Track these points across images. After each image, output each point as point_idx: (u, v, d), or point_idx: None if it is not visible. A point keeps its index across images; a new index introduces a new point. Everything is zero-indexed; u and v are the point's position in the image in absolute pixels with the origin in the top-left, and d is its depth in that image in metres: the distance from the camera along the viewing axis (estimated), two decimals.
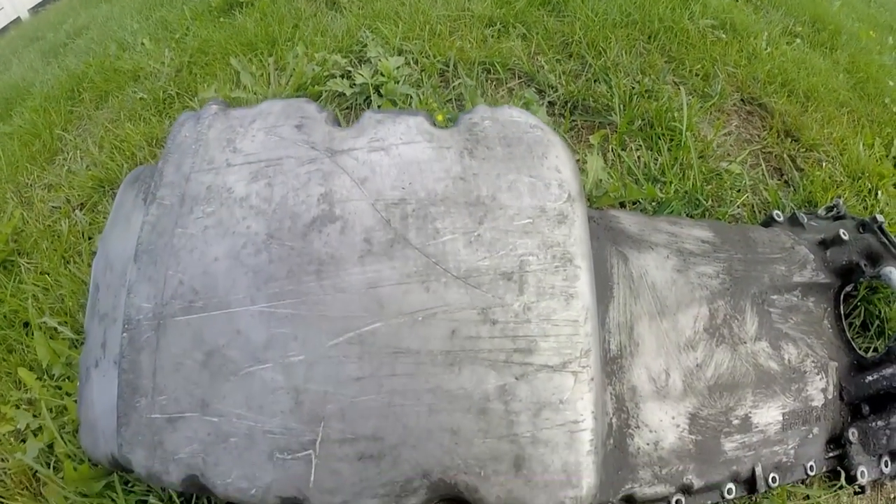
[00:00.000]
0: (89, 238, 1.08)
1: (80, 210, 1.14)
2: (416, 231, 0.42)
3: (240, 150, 0.47)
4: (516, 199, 0.46)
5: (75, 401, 0.77)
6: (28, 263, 1.06)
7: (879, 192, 1.21)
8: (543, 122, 0.57)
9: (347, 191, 0.43)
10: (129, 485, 0.71)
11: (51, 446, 0.77)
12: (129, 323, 0.43)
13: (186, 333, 0.41)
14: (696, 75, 1.23)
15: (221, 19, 1.53)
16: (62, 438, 0.75)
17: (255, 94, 1.08)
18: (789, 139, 1.20)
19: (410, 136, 0.46)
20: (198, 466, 0.41)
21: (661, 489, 0.60)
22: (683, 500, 0.62)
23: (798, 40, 1.81)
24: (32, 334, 0.89)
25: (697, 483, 0.61)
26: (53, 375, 0.85)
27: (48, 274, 1.00)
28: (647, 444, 0.59)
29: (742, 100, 1.27)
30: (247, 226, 0.43)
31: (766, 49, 1.50)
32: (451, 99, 0.97)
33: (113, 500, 0.69)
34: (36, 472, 0.77)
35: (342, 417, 0.38)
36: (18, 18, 5.35)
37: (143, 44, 1.60)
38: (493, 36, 1.16)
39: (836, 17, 2.22)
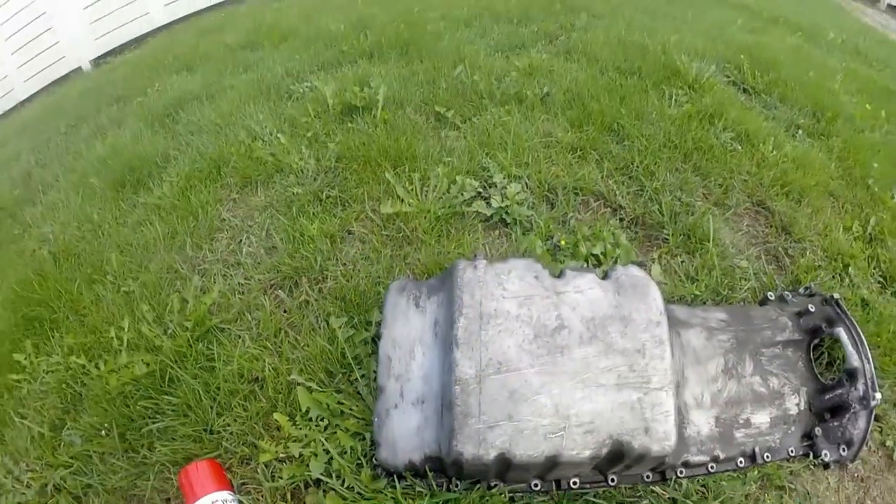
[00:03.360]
0: (292, 314, 1.70)
1: (281, 290, 1.66)
2: (601, 332, 1.12)
3: (507, 289, 1.16)
4: (639, 315, 1.15)
5: (346, 431, 1.26)
6: (239, 330, 1.62)
7: (850, 269, 1.92)
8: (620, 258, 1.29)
9: (568, 314, 1.12)
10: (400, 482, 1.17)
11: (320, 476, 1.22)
12: (460, 382, 1.08)
13: (497, 384, 1.08)
14: (719, 186, 1.94)
15: (348, 124, 2.25)
16: (341, 457, 1.21)
17: (409, 205, 1.78)
18: (784, 234, 1.91)
19: (590, 285, 1.16)
20: (505, 447, 1.03)
21: (701, 458, 1.28)
22: (714, 465, 1.31)
23: (800, 131, 2.56)
24: (263, 387, 1.40)
25: (722, 455, 1.29)
26: (311, 418, 1.30)
27: (267, 340, 1.63)
28: (694, 433, 1.28)
29: (752, 202, 1.99)
30: (522, 331, 1.12)
31: (772, 152, 2.23)
32: (557, 217, 1.69)
33: (386, 494, 1.16)
34: (292, 489, 1.23)
35: (577, 415, 1.06)
36: (80, 68, 6.05)
37: (278, 138, 2.30)
38: (575, 161, 1.88)
39: (835, 100, 2.96)
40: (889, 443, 1.55)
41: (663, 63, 2.56)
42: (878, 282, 1.94)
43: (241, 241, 1.86)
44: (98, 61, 6.59)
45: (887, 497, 1.51)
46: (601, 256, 1.54)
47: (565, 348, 1.09)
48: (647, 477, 1.24)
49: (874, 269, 1.97)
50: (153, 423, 1.44)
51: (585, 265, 1.52)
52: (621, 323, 1.13)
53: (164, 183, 2.33)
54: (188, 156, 2.47)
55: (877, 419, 1.56)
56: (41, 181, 3.37)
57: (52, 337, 1.84)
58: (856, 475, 1.52)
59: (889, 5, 9.59)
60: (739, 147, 2.14)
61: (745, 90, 2.75)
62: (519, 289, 1.16)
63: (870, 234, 2.09)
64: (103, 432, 1.48)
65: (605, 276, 1.21)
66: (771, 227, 1.91)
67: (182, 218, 2.03)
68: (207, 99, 3.07)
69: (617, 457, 1.09)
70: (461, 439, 1.04)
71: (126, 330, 1.65)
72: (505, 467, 1.07)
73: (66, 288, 1.99)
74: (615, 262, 1.52)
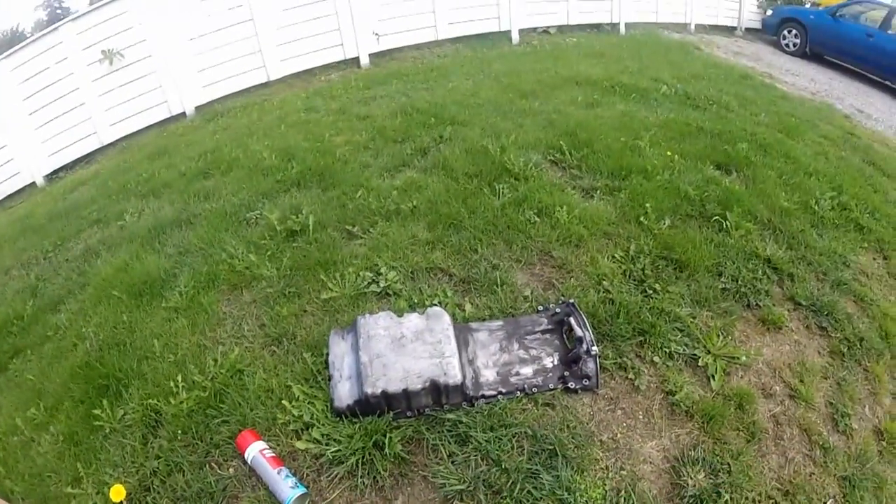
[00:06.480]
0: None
1: (273, 347, 3.84)
2: (420, 336, 3.20)
3: (379, 324, 3.19)
4: (437, 327, 3.20)
5: (317, 402, 3.45)
6: (253, 369, 3.81)
7: (604, 282, 4.04)
8: (448, 303, 3.45)
9: (405, 331, 3.17)
10: (347, 419, 3.22)
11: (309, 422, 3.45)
12: (362, 363, 3.08)
13: (378, 362, 3.01)
14: (520, 248, 3.96)
15: (292, 243, 4.32)
16: (317, 411, 3.39)
17: (336, 292, 3.88)
18: (560, 269, 3.99)
19: (415, 318, 3.22)
20: (384, 387, 2.92)
21: (492, 392, 3.22)
22: (500, 397, 3.37)
23: (598, 192, 4.73)
24: (273, 393, 3.57)
25: (504, 391, 3.29)
26: (301, 400, 3.35)
27: (271, 370, 3.74)
28: (485, 381, 3.30)
29: (542, 253, 4.05)
30: (386, 341, 3.16)
31: (565, 216, 4.39)
32: (416, 286, 3.81)
33: (338, 422, 3.25)
34: (294, 432, 3.40)
35: (413, 370, 3.16)
36: (34, 183, 8.23)
37: (249, 257, 4.38)
38: (429, 251, 3.97)
39: (637, 157, 4.96)
40: (631, 376, 3.33)
41: (498, 162, 4.75)
42: (632, 285, 4.06)
43: (240, 324, 3.74)
44: (51, 177, 8.77)
45: (634, 408, 3.29)
46: (438, 304, 3.68)
47: (405, 345, 3.18)
48: (463, 404, 3.34)
49: (629, 278, 4.11)
50: (215, 420, 3.46)
51: (416, 309, 3.66)
52: (429, 331, 3.24)
53: (174, 292, 4.08)
54: (187, 272, 4.26)
55: (622, 366, 3.59)
56: (52, 294, 4.89)
57: (123, 395, 3.59)
58: (606, 396, 3.37)
59: (746, 29, 12.84)
60: (538, 219, 4.28)
61: (563, 168, 4.94)
62: (384, 324, 3.27)
63: (631, 255, 4.22)
64: (178, 435, 3.31)
65: (423, 313, 3.36)
66: (553, 267, 4.00)
67: (197, 313, 3.70)
68: (185, 225, 5.03)
69: (436, 389, 3.18)
70: (366, 386, 2.98)
71: (181, 381, 3.36)
72: (386, 399, 3.13)
73: (125, 364, 3.92)
74: (435, 305, 3.66)
